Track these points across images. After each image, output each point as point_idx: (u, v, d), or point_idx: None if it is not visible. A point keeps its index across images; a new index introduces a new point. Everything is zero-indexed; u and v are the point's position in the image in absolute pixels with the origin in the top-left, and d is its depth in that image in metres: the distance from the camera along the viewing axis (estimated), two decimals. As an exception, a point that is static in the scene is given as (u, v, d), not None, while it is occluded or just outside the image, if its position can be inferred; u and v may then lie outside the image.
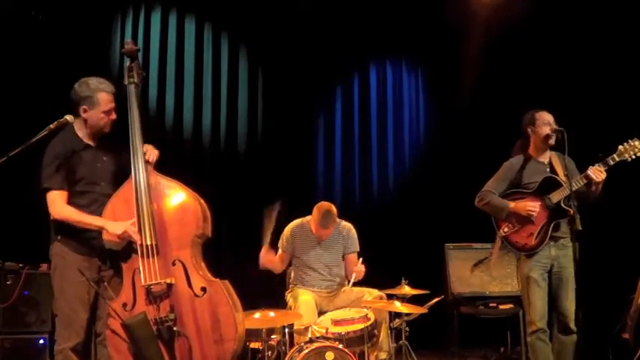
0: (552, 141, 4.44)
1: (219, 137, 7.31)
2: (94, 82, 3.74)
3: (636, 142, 4.34)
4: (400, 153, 7.91)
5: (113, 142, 3.87)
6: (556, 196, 4.36)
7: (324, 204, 5.12)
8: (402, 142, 7.92)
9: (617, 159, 4.33)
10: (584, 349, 4.48)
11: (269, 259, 5.01)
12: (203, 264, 3.82)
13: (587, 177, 4.30)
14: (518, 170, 4.52)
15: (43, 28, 6.34)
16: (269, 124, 7.52)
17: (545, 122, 4.45)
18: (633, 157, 4.33)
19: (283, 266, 5.22)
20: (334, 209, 5.10)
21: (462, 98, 7.51)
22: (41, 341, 5.28)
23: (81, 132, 3.77)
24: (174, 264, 3.68)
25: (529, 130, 4.52)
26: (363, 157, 7.82)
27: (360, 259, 5.05)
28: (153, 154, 3.82)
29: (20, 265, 5.34)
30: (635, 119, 5.72)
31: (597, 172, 4.29)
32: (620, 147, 4.35)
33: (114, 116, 3.78)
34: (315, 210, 5.09)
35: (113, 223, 3.62)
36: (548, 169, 4.49)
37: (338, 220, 5.19)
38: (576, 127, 4.54)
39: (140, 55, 6.98)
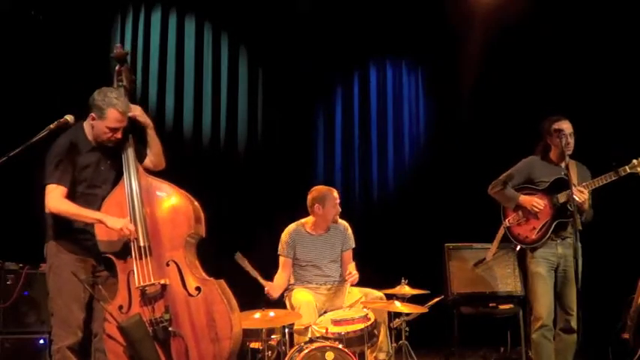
0: (570, 151, 4.49)
1: (219, 137, 7.31)
2: (110, 95, 3.70)
3: None
4: (400, 153, 7.90)
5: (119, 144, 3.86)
6: (563, 197, 4.44)
7: (317, 187, 5.22)
8: (402, 142, 7.92)
9: (629, 170, 4.40)
10: (584, 349, 4.48)
11: (278, 286, 5.01)
12: (197, 263, 3.83)
13: (567, 195, 4.33)
14: (534, 168, 4.64)
15: (43, 28, 6.34)
16: (269, 124, 7.52)
17: (562, 136, 4.48)
18: None
19: (288, 273, 5.19)
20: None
21: (461, 98, 7.51)
22: (41, 341, 5.27)
23: (90, 134, 3.78)
24: (167, 265, 3.70)
25: (547, 139, 4.59)
26: (363, 157, 7.82)
27: (352, 264, 5.04)
28: (134, 110, 3.81)
29: (20, 265, 5.34)
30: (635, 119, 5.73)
31: (578, 194, 4.33)
32: (635, 160, 4.42)
33: (119, 135, 3.73)
34: (317, 193, 5.11)
35: (112, 218, 3.63)
36: (563, 173, 4.52)
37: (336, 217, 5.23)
38: (576, 126, 4.56)
39: (140, 55, 7.06)
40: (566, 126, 4.52)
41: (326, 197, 5.10)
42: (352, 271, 4.98)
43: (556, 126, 4.53)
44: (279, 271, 5.16)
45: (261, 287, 4.82)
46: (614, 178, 4.38)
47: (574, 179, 4.47)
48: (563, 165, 4.55)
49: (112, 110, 3.66)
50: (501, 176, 4.70)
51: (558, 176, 4.51)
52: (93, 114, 3.70)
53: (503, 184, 4.65)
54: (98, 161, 3.78)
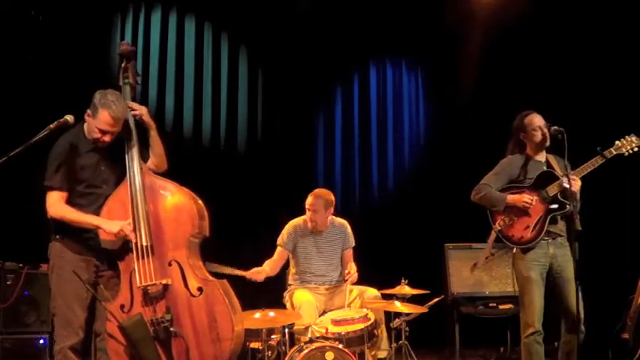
0: (547, 143, 4.44)
1: (219, 137, 7.31)
2: (108, 98, 3.66)
3: (633, 138, 4.37)
4: (400, 153, 7.91)
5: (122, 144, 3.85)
6: (552, 190, 4.36)
7: (319, 189, 5.26)
8: (401, 141, 7.92)
9: (614, 152, 4.34)
10: (585, 349, 4.47)
11: (264, 270, 5.03)
12: (200, 263, 3.82)
13: (560, 185, 4.29)
14: (516, 166, 4.52)
15: (43, 28, 6.34)
16: (269, 124, 7.53)
17: (536, 128, 4.44)
18: (630, 151, 4.36)
19: (280, 264, 5.21)
20: (331, 194, 5.19)
21: (461, 98, 7.51)
22: (41, 341, 5.28)
23: (88, 134, 3.78)
24: (170, 264, 3.69)
25: (521, 135, 4.52)
26: (363, 157, 7.82)
27: (352, 264, 5.03)
28: (141, 109, 3.81)
29: (20, 265, 5.34)
30: (633, 117, 5.73)
31: (572, 182, 4.23)
32: (617, 142, 4.37)
33: (107, 139, 3.69)
34: (309, 195, 5.15)
35: (109, 222, 3.63)
36: (545, 167, 4.48)
37: (332, 217, 5.23)
38: (575, 125, 4.55)
39: (140, 55, 7.07)
40: (537, 119, 4.45)
41: (307, 201, 5.13)
42: (351, 271, 4.99)
43: (527, 120, 4.46)
44: (273, 258, 5.16)
45: (252, 282, 4.85)
46: (600, 162, 4.30)
47: (557, 170, 4.39)
48: (542, 159, 4.49)
49: (104, 112, 3.62)
50: (482, 180, 4.56)
51: (542, 170, 4.43)
52: (88, 111, 3.70)
53: (486, 188, 4.50)
54: (98, 162, 3.77)
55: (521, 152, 4.56)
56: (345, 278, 4.98)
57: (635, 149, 4.37)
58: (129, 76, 3.88)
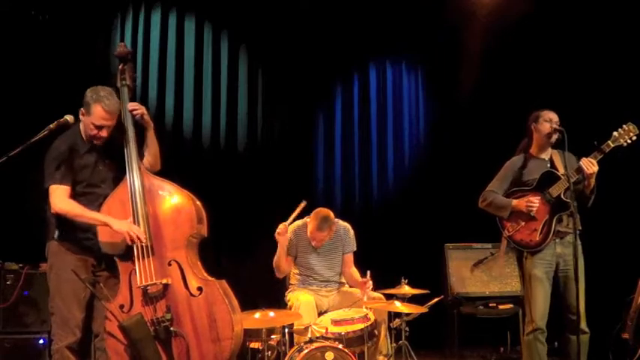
0: (553, 139, 4.43)
1: (219, 137, 7.31)
2: (101, 93, 3.69)
3: (630, 127, 4.34)
4: (400, 153, 7.90)
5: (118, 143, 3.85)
6: (555, 190, 4.35)
7: (323, 210, 5.13)
8: (402, 141, 7.91)
9: (612, 145, 4.31)
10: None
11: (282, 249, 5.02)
12: (199, 263, 3.83)
13: (579, 169, 4.28)
14: (519, 169, 4.52)
15: (43, 28, 6.35)
16: (269, 124, 7.52)
17: (547, 119, 4.45)
18: (629, 141, 4.32)
19: (288, 269, 5.21)
20: (332, 216, 5.09)
21: (462, 97, 7.50)
22: (41, 341, 5.28)
23: (85, 133, 3.78)
24: (169, 264, 3.70)
25: (532, 127, 4.52)
26: (363, 157, 7.81)
27: (368, 273, 4.99)
28: (141, 108, 3.81)
29: (20, 265, 5.35)
30: (632, 116, 5.74)
31: (588, 164, 4.26)
32: (615, 133, 4.33)
33: (104, 134, 3.71)
34: (313, 215, 5.08)
35: (118, 221, 3.63)
36: (548, 165, 4.48)
37: (336, 220, 5.20)
38: (576, 123, 4.55)
39: (140, 55, 7.07)
40: (553, 115, 4.45)
41: (312, 222, 5.04)
42: (368, 283, 4.90)
43: (544, 112, 4.47)
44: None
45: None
46: (599, 157, 4.28)
47: (560, 168, 4.38)
48: (546, 157, 4.49)
49: (97, 106, 3.65)
50: (488, 187, 4.57)
51: (544, 170, 4.43)
52: (82, 109, 3.72)
53: (492, 194, 4.51)
54: (96, 161, 3.78)
55: (526, 152, 4.56)
56: (363, 290, 4.86)
57: (634, 138, 4.33)
58: (126, 77, 3.88)
